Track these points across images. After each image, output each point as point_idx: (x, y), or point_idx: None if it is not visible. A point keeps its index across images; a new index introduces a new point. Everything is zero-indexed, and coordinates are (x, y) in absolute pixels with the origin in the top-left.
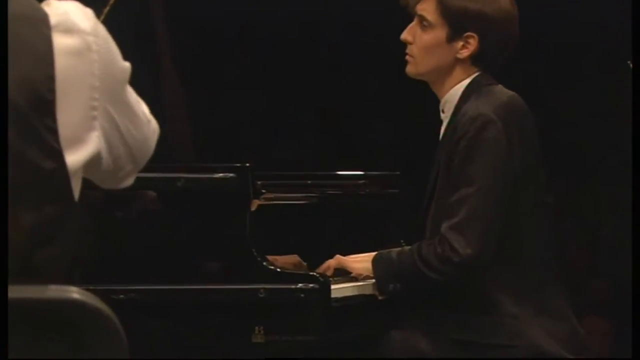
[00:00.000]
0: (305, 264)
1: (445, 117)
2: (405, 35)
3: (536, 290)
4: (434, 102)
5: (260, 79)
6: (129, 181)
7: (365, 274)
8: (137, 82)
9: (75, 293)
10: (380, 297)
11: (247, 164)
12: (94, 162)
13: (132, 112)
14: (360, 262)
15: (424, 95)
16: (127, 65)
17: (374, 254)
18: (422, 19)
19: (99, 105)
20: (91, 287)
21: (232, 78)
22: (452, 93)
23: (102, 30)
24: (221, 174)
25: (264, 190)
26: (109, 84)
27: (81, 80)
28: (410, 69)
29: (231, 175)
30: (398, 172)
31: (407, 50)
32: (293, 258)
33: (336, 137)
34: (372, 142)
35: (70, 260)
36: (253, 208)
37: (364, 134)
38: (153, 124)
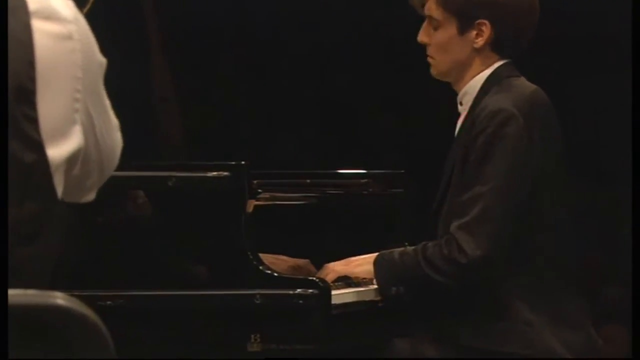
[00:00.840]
0: (314, 269)
1: (463, 110)
2: (421, 37)
3: (552, 296)
4: (442, 96)
5: (256, 71)
6: (92, 195)
7: (367, 277)
8: (124, 74)
9: (60, 299)
10: (380, 304)
11: (243, 162)
12: (74, 159)
13: (106, 115)
14: (358, 265)
15: (431, 89)
16: (104, 60)
17: (372, 255)
18: (430, 18)
19: (81, 99)
20: (77, 293)
21: (226, 70)
22: (472, 84)
23: (82, 20)
24: (215, 173)
25: (260, 190)
26: (90, 77)
27: (63, 69)
28: (433, 71)
29: (225, 174)
30: (403, 171)
31: (427, 52)
32: (303, 262)
33: (337, 134)
34: (375, 138)
35: (53, 262)
36: (249, 209)
37: (366, 130)
38: (119, 135)
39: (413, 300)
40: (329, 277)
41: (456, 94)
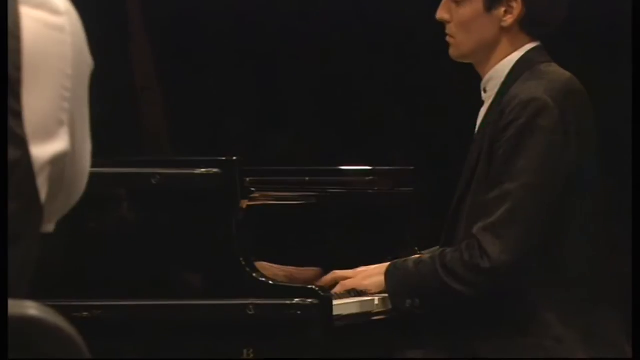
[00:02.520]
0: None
1: (488, 98)
2: (440, 14)
3: (584, 309)
4: (457, 84)
5: (248, 57)
6: (51, 225)
7: (376, 290)
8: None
9: (32, 309)
10: (388, 315)
11: (234, 158)
12: (58, 163)
13: (86, 130)
14: (368, 276)
15: (445, 76)
16: (92, 62)
17: (382, 266)
18: None
19: (69, 99)
20: (50, 303)
21: (215, 56)
22: (498, 69)
23: (75, 15)
24: (203, 170)
25: (253, 189)
26: (79, 77)
27: (53, 61)
28: (453, 52)
29: (215, 170)
30: (412, 167)
31: (447, 31)
32: (314, 272)
33: (339, 126)
34: (381, 131)
35: (32, 269)
36: (241, 210)
37: (372, 122)
38: (89, 159)
39: (429, 313)
40: (337, 290)
41: (475, 81)
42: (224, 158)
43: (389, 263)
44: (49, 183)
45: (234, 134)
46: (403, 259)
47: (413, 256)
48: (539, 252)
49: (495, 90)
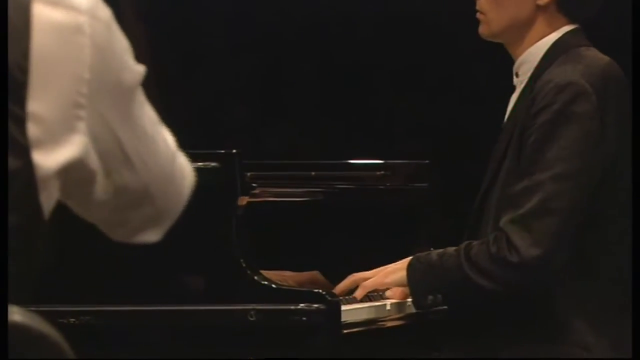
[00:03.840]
0: (323, 281)
1: (520, 83)
2: None
3: (615, 315)
4: (479, 70)
5: (250, 43)
6: (152, 234)
7: (395, 286)
8: None
9: (16, 314)
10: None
11: (234, 151)
12: (75, 174)
13: (143, 132)
14: (389, 274)
15: (464, 61)
16: (138, 68)
17: (404, 261)
18: None
19: (87, 105)
20: (34, 308)
21: (214, 43)
22: (532, 51)
23: (104, 13)
24: (200, 164)
25: (255, 184)
26: (106, 83)
27: (64, 65)
28: (483, 30)
29: (213, 164)
30: (427, 161)
31: (477, 7)
32: (312, 276)
33: (348, 116)
34: (393, 122)
35: (30, 284)
36: (241, 207)
37: (383, 112)
38: (183, 165)
39: (449, 312)
40: (358, 294)
41: (497, 68)
42: (222, 151)
43: (412, 257)
44: (115, 188)
45: (234, 125)
46: (426, 252)
47: (436, 250)
48: (569, 248)
49: (528, 74)
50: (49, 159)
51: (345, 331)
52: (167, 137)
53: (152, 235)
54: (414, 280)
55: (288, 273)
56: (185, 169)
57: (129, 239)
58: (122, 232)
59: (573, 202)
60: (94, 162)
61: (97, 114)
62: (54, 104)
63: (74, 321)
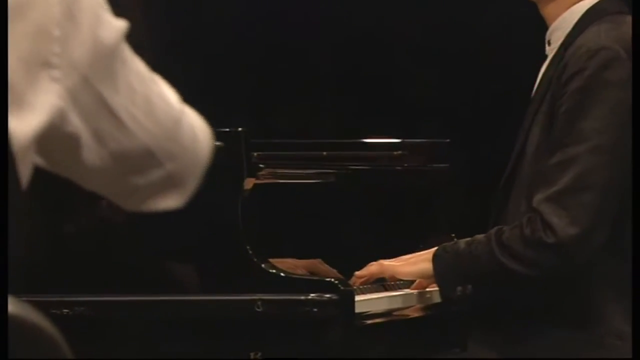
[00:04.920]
0: (328, 270)
1: (551, 51)
2: None
3: None
4: (502, 42)
5: (257, 15)
6: (170, 200)
7: (419, 278)
8: None
9: (8, 304)
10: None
11: (240, 129)
12: (55, 140)
13: (132, 91)
14: (413, 264)
15: (486, 32)
16: (117, 24)
17: (429, 251)
18: None
19: (62, 65)
20: (26, 297)
21: (220, 15)
22: (566, 17)
23: None
24: None
25: (262, 165)
26: (81, 40)
27: (29, 19)
28: None
29: (218, 143)
30: (448, 140)
31: None
32: (313, 264)
33: (362, 92)
34: (412, 98)
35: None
36: (247, 189)
37: (400, 88)
38: (193, 122)
39: (478, 303)
40: (372, 273)
41: (525, 38)
42: (227, 129)
43: (437, 247)
44: (109, 153)
45: (240, 101)
46: (453, 242)
47: (464, 239)
48: (607, 228)
49: (560, 41)
50: (22, 123)
51: (359, 324)
52: (166, 95)
53: (171, 201)
54: (442, 271)
55: (287, 261)
56: (196, 126)
57: (144, 208)
58: (132, 201)
59: (611, 176)
60: (75, 125)
61: (76, 74)
62: (19, 64)
63: (67, 312)
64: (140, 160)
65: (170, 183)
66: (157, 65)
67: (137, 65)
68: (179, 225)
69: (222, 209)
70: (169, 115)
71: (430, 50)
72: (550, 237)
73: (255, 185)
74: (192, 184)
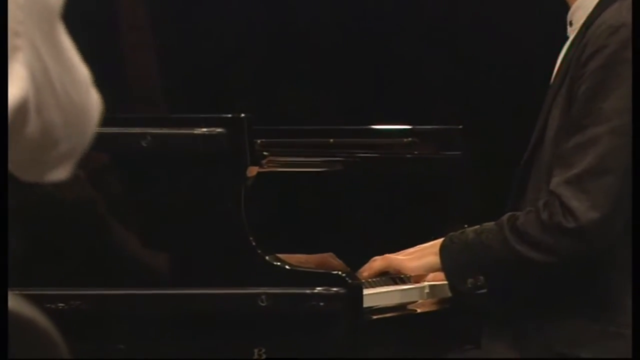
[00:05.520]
0: (338, 264)
1: (573, 32)
2: None
3: None
4: (517, 23)
5: None
6: (63, 171)
7: (426, 272)
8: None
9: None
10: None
11: (242, 115)
12: (18, 116)
13: (69, 63)
14: (419, 258)
15: (499, 16)
16: None
17: (434, 243)
18: None
19: (24, 33)
20: (19, 291)
21: None
22: None
23: None
24: (204, 130)
25: (266, 153)
26: (39, 9)
27: None
28: None
29: (219, 130)
30: (461, 127)
31: None
32: (324, 258)
33: (371, 76)
34: (422, 83)
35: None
36: (251, 177)
37: (410, 72)
38: (94, 94)
39: (490, 295)
40: (375, 267)
41: (541, 22)
42: (230, 115)
43: (443, 238)
44: (39, 131)
45: (244, 87)
46: (460, 231)
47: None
48: (627, 213)
49: (581, 22)
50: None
51: (367, 318)
52: (81, 66)
53: (64, 172)
54: (450, 264)
55: (297, 256)
56: (95, 98)
57: (39, 179)
58: (34, 172)
59: (631, 159)
60: (31, 100)
61: (30, 41)
62: (6, 33)
63: (63, 306)
64: (59, 133)
65: (69, 155)
66: (156, 46)
67: (65, 36)
68: (181, 216)
69: (224, 198)
70: (84, 87)
71: (443, 32)
72: (570, 222)
73: (258, 174)
74: (80, 157)
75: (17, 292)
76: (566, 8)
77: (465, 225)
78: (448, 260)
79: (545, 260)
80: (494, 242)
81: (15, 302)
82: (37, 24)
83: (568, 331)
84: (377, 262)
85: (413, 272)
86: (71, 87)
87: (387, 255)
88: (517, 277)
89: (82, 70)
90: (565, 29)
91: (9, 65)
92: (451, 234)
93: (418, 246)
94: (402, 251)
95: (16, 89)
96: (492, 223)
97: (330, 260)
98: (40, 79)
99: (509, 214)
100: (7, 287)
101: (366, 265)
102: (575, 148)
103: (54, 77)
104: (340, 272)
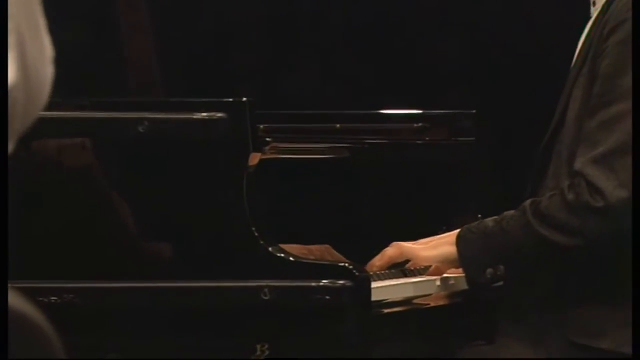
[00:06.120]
0: (342, 258)
1: (596, 11)
2: None
3: None
4: (527, 8)
5: None
6: (9, 146)
7: (440, 263)
8: None
9: None
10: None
11: (244, 99)
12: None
13: (41, 40)
14: (434, 247)
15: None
16: None
17: (450, 234)
18: None
19: (11, 16)
20: (9, 283)
21: None
22: None
23: None
24: (205, 114)
25: (269, 139)
26: None
27: None
28: None
29: (220, 115)
30: (474, 111)
31: None
32: (320, 250)
33: (379, 59)
34: (434, 65)
35: None
36: (253, 164)
37: (421, 54)
38: (51, 69)
39: (509, 286)
40: (388, 256)
41: (558, 3)
42: (231, 100)
43: (461, 228)
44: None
45: (246, 70)
46: (478, 221)
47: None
48: None
49: (604, 1)
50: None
51: (376, 313)
52: (48, 39)
53: (10, 148)
54: (468, 254)
55: (297, 247)
56: (51, 73)
57: None
58: None
59: None
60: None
61: (16, 25)
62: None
63: (56, 300)
64: (19, 108)
65: (18, 131)
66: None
67: (41, 13)
68: (180, 205)
69: (224, 187)
70: (47, 62)
71: (455, 14)
72: (599, 201)
73: (261, 160)
74: (24, 133)
75: (9, 284)
76: None
77: (479, 215)
78: (465, 250)
79: (571, 243)
80: (515, 228)
81: (8, 296)
82: (22, 6)
83: (589, 321)
84: (390, 251)
85: (426, 262)
86: (40, 64)
87: (401, 242)
88: (539, 265)
89: (48, 46)
90: (584, 10)
91: (9, 45)
92: (468, 224)
93: (433, 237)
94: (416, 241)
95: (12, 73)
96: (512, 211)
97: (328, 252)
98: (20, 62)
99: (531, 199)
100: (7, 287)
101: (379, 255)
102: (599, 126)
103: (29, 58)
104: (347, 264)
